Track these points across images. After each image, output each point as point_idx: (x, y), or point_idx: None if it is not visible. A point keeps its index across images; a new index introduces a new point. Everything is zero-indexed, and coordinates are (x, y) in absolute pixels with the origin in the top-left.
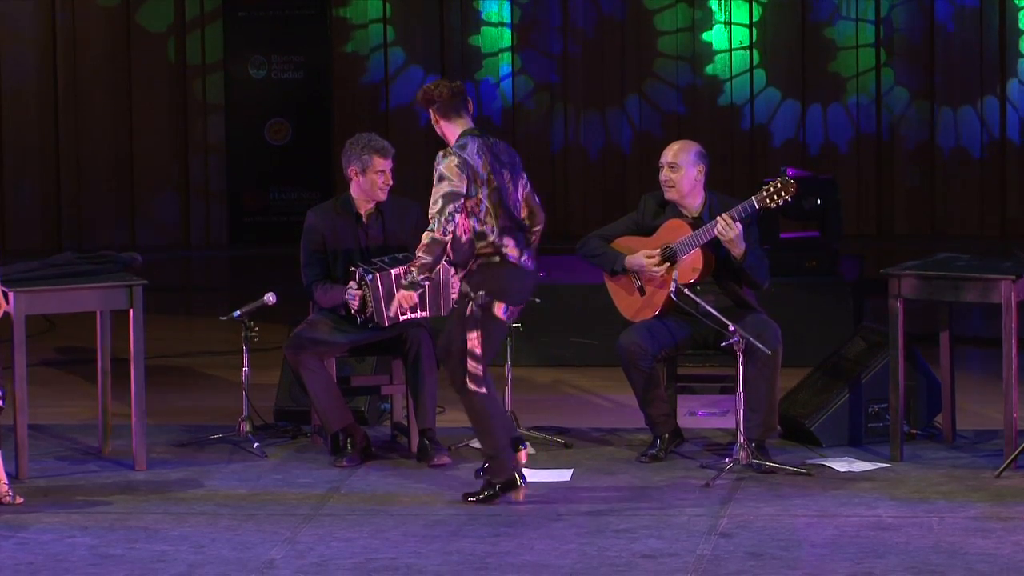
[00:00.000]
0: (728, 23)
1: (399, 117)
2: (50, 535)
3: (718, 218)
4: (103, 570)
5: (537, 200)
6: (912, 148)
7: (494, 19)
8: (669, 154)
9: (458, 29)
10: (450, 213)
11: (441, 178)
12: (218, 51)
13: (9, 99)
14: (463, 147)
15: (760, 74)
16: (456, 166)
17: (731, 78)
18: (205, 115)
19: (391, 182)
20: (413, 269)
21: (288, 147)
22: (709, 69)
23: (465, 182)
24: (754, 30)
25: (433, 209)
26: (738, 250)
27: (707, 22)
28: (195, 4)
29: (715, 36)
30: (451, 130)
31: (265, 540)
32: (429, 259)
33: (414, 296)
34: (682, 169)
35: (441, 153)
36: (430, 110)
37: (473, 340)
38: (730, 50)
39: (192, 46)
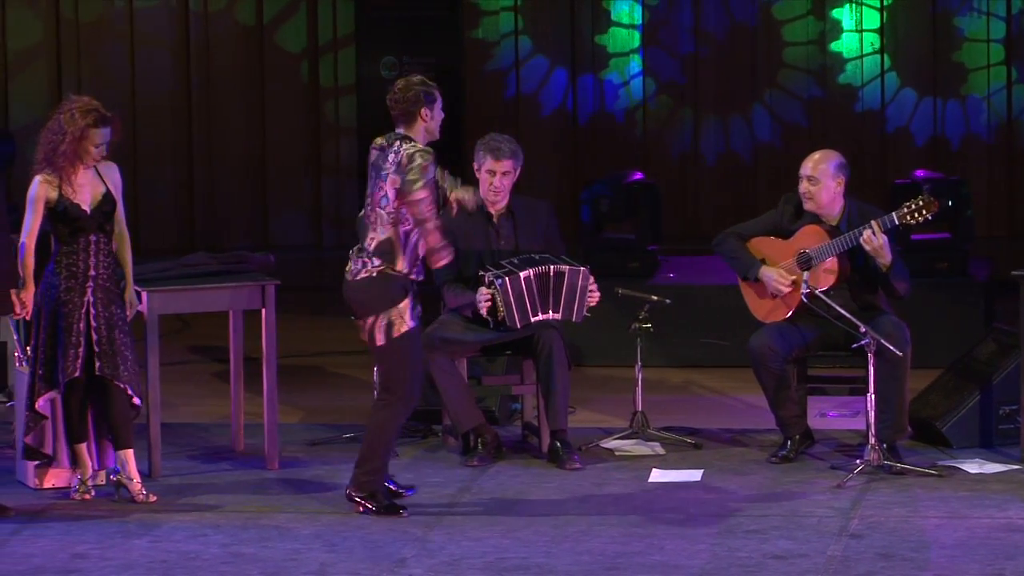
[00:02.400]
0: (859, 3)
1: (529, 109)
2: (183, 534)
3: (866, 227)
4: (236, 568)
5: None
6: None
7: (624, 20)
8: (808, 166)
9: (588, 27)
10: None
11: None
12: (351, 48)
13: (143, 101)
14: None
15: (890, 69)
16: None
17: (859, 60)
18: (338, 112)
19: (500, 185)
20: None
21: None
22: (834, 46)
23: None
24: (884, 13)
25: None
26: (885, 259)
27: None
28: (327, 7)
29: (843, 14)
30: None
31: (396, 539)
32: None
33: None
34: (821, 182)
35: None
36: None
37: None
38: (859, 31)
39: (324, 41)
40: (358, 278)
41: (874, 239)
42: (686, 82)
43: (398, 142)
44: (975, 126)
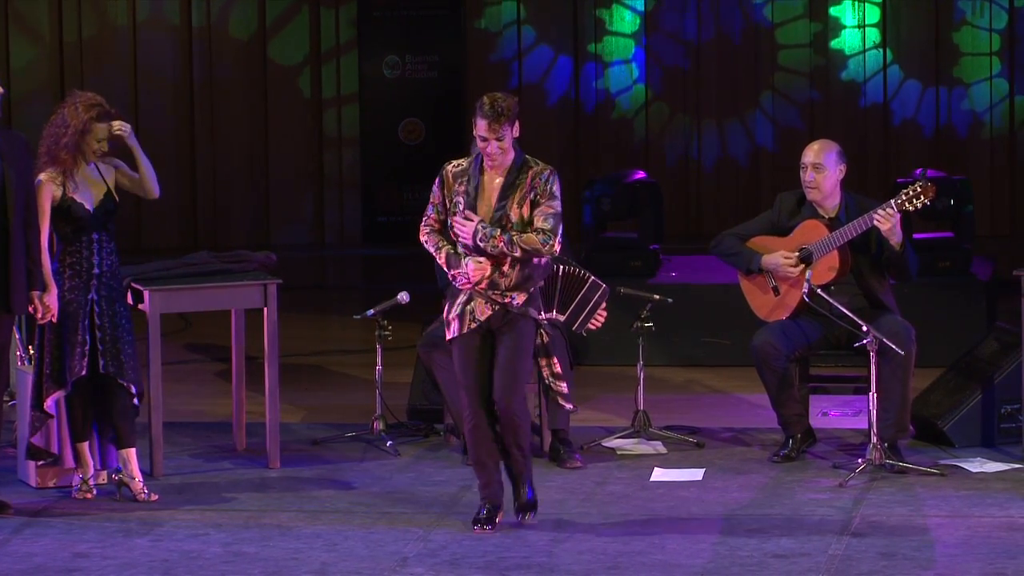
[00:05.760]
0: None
1: (533, 118)
2: (184, 532)
3: (874, 211)
4: (237, 567)
5: None
6: None
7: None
8: (810, 154)
9: (590, 30)
10: (561, 234)
11: (555, 196)
12: (352, 51)
13: (145, 98)
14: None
15: (892, 59)
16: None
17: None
18: (340, 113)
19: None
20: (502, 240)
21: (422, 146)
22: (834, 44)
23: None
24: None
25: (546, 225)
26: (897, 240)
27: None
28: (329, 9)
29: (842, 11)
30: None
31: (398, 538)
32: (519, 255)
33: (485, 265)
34: (826, 169)
35: (550, 170)
36: (512, 125)
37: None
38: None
39: (326, 44)
40: None
41: (887, 219)
42: (676, 83)
43: None
44: (976, 125)
